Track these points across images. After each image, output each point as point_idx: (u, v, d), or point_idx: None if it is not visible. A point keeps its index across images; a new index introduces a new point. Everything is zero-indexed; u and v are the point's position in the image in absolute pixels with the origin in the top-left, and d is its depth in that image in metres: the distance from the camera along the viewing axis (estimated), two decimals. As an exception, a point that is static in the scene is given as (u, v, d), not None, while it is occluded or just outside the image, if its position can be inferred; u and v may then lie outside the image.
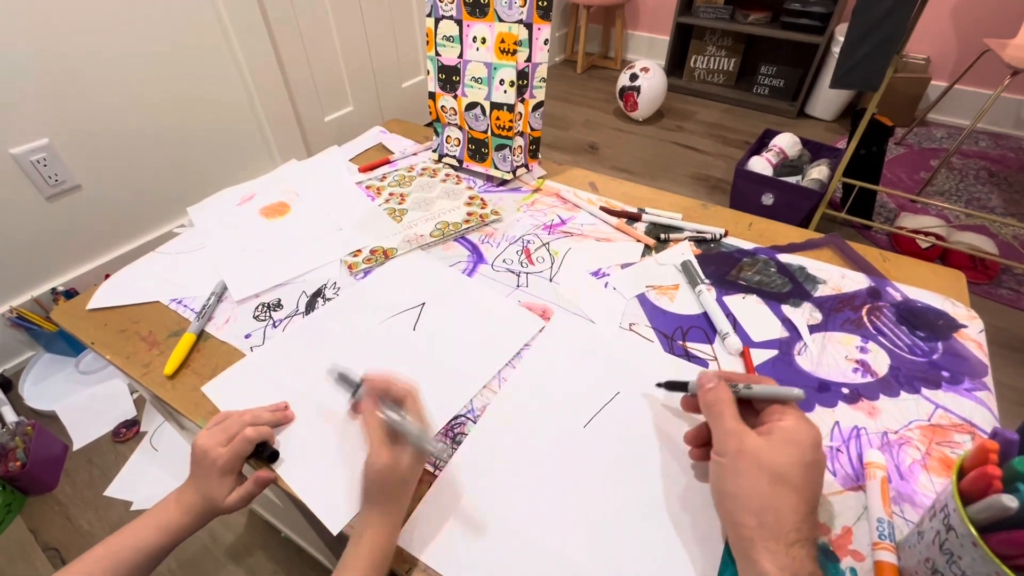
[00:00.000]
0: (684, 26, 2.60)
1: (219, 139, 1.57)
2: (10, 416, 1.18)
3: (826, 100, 2.39)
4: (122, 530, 0.43)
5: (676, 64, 2.75)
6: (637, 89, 2.28)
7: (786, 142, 1.78)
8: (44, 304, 1.30)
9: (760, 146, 1.85)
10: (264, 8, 1.51)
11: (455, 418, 0.48)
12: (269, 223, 0.74)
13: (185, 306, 0.62)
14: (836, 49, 2.19)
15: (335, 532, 0.41)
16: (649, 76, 2.26)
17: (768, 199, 1.68)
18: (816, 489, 0.34)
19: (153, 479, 1.09)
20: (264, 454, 0.45)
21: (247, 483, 0.45)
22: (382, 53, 1.97)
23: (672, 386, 0.45)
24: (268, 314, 0.60)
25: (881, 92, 1.31)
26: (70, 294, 1.30)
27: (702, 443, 0.42)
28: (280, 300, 0.62)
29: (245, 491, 0.44)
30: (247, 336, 0.58)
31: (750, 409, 0.39)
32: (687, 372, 0.52)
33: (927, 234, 1.58)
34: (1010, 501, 0.27)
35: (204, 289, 0.63)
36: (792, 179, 1.72)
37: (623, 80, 2.33)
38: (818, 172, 1.68)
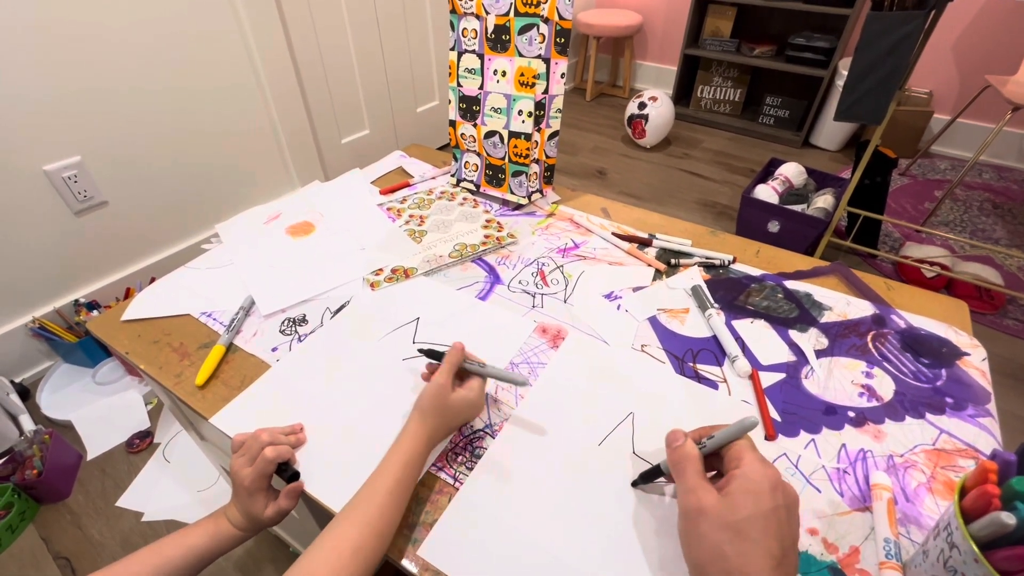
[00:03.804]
0: (691, 57, 2.68)
1: (240, 159, 1.62)
2: (28, 424, 1.20)
3: (830, 131, 2.44)
4: (171, 535, 0.45)
5: (683, 93, 2.82)
6: (645, 117, 2.34)
7: (791, 171, 1.82)
8: (65, 315, 1.33)
9: (766, 174, 1.88)
10: (288, 34, 1.58)
11: (474, 432, 0.50)
12: (295, 241, 0.77)
13: (214, 319, 0.65)
14: (840, 82, 2.25)
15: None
16: (657, 105, 2.32)
17: (774, 226, 1.70)
18: (779, 537, 0.32)
19: (165, 490, 1.10)
20: (285, 475, 0.47)
21: (280, 499, 0.47)
22: (398, 78, 2.04)
23: (648, 476, 0.44)
24: (294, 329, 0.63)
25: (884, 125, 1.35)
26: (92, 306, 1.33)
27: None
28: (305, 315, 0.65)
29: (280, 506, 0.47)
30: (273, 349, 0.60)
31: (719, 459, 0.38)
32: (698, 394, 0.53)
33: (932, 263, 1.59)
34: (1008, 518, 0.29)
35: (233, 303, 0.66)
36: (797, 207, 1.75)
37: (631, 108, 2.39)
38: (823, 201, 1.71)
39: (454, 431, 0.50)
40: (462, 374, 0.51)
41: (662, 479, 0.44)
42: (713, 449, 0.38)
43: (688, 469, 0.36)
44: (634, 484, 0.45)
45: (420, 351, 0.54)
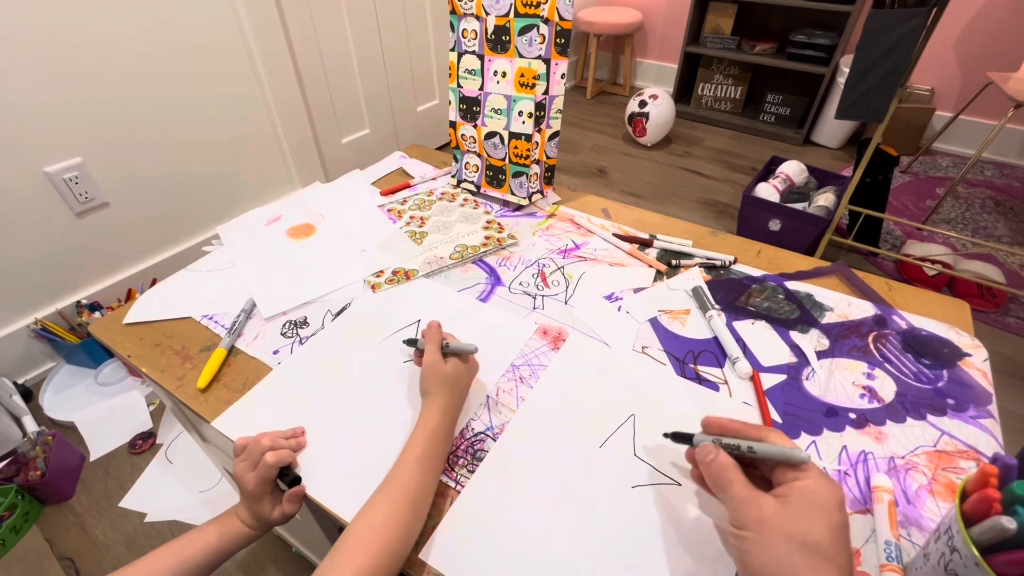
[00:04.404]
0: (692, 55, 2.68)
1: (240, 159, 1.62)
2: (31, 426, 1.21)
3: (832, 128, 2.44)
4: (187, 533, 0.46)
5: (684, 91, 2.81)
6: (646, 115, 2.34)
7: (793, 169, 1.81)
8: (67, 316, 1.33)
9: (767, 172, 1.88)
10: (288, 34, 1.58)
11: (476, 435, 0.50)
12: (295, 243, 0.77)
13: (216, 322, 0.65)
14: (841, 79, 2.24)
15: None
16: (658, 103, 2.32)
17: (775, 225, 1.70)
18: (849, 556, 0.31)
19: (168, 491, 1.10)
20: (287, 479, 0.47)
21: (283, 503, 0.47)
22: (398, 78, 2.04)
23: (678, 437, 0.43)
24: (295, 331, 0.63)
25: (886, 123, 1.35)
26: (94, 307, 1.34)
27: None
28: (306, 318, 0.65)
29: (284, 510, 0.47)
30: (275, 352, 0.60)
31: (754, 466, 0.37)
32: (699, 395, 0.54)
33: (934, 262, 1.59)
34: (1009, 523, 0.29)
35: (234, 306, 0.66)
36: (799, 206, 1.75)
37: (632, 106, 2.39)
38: (824, 199, 1.71)
39: (464, 397, 0.52)
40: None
41: (690, 445, 0.42)
42: (751, 459, 0.36)
43: (734, 481, 0.35)
44: (665, 435, 0.44)
45: (405, 342, 0.58)
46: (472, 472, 0.47)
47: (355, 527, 0.39)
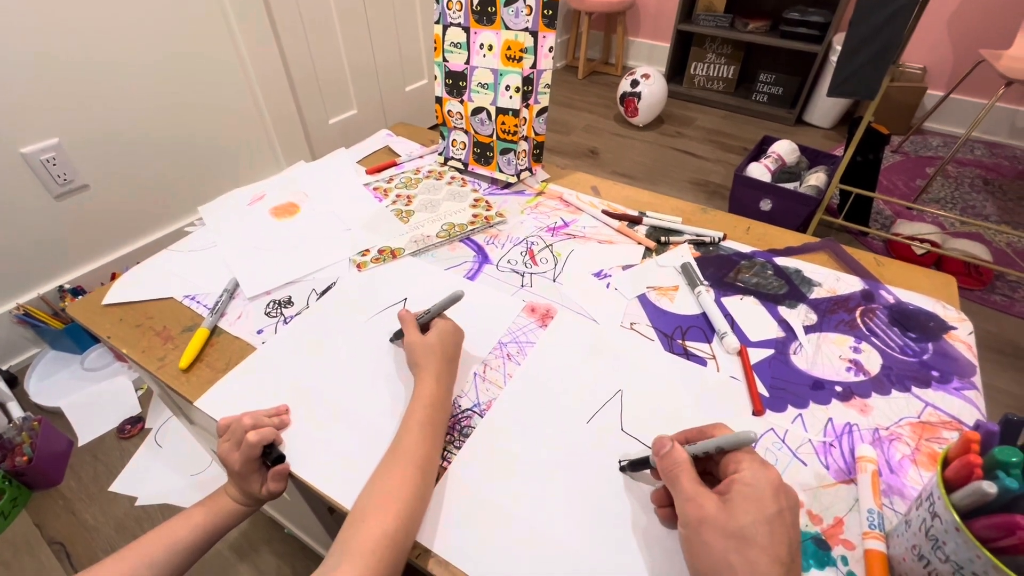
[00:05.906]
0: (684, 33, 2.64)
1: (225, 140, 1.59)
2: (16, 412, 1.19)
3: (824, 108, 2.42)
4: (178, 515, 0.46)
5: (676, 71, 2.78)
6: (638, 95, 2.31)
7: (784, 149, 1.81)
8: (51, 302, 1.31)
9: (759, 152, 1.87)
10: (271, 13, 1.53)
11: (463, 411, 0.50)
12: (279, 223, 0.76)
13: (198, 302, 0.64)
14: (834, 58, 2.22)
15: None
16: (650, 82, 2.29)
17: (766, 205, 1.70)
18: (787, 541, 0.31)
19: (157, 475, 1.10)
20: (270, 457, 0.47)
21: (268, 482, 0.47)
22: (386, 57, 1.99)
23: (635, 465, 0.44)
24: (279, 311, 0.62)
25: (878, 101, 1.34)
26: (77, 292, 1.31)
27: (668, 503, 0.39)
28: (291, 297, 0.64)
29: (270, 488, 0.47)
30: (259, 332, 0.59)
31: (711, 461, 0.38)
32: (687, 370, 0.53)
33: (923, 240, 1.60)
34: (989, 487, 0.29)
35: (217, 286, 0.65)
36: (790, 185, 1.74)
37: (624, 86, 2.36)
38: (816, 179, 1.70)
39: (456, 364, 0.51)
40: (424, 327, 0.53)
41: (648, 471, 0.43)
42: (702, 452, 0.37)
43: (682, 476, 0.36)
44: (621, 469, 0.45)
45: (392, 340, 0.57)
46: (459, 448, 0.47)
47: (370, 495, 0.39)
